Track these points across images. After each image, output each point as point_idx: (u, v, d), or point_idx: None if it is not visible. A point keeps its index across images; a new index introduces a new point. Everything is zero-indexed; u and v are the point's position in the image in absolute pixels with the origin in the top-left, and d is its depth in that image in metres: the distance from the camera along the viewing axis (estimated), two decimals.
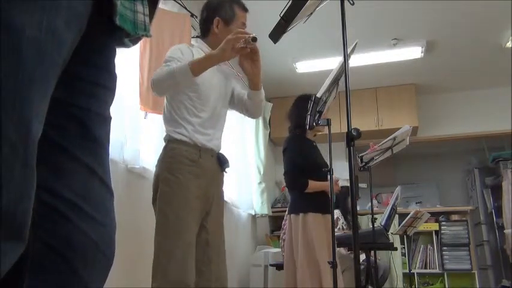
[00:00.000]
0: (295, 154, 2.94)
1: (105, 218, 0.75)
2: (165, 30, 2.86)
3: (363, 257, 3.40)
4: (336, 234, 2.43)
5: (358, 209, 3.86)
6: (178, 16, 3.05)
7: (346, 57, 1.66)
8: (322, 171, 2.53)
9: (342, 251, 3.56)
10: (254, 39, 1.77)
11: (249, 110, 2.13)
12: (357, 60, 4.59)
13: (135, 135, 2.53)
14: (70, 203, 0.70)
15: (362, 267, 3.24)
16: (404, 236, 4.30)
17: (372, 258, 3.31)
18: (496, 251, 5.65)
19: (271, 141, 5.71)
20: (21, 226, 0.54)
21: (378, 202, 5.87)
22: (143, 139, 2.64)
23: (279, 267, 3.85)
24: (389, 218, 3.51)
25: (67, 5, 0.60)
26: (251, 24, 2.13)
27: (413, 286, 4.81)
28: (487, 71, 5.07)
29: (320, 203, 2.82)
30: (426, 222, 4.20)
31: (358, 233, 1.90)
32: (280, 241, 3.66)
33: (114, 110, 0.80)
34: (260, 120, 5.03)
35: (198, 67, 1.80)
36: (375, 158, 3.26)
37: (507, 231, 4.89)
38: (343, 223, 3.99)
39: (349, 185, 1.58)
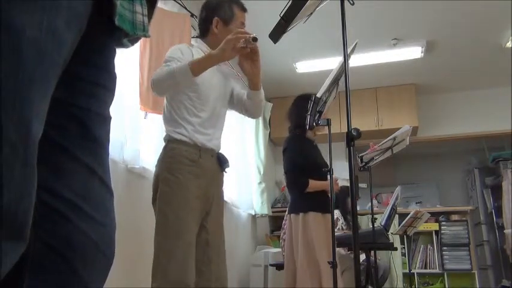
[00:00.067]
0: (295, 154, 2.94)
1: (105, 218, 0.75)
2: (165, 30, 2.86)
3: (362, 257, 3.40)
4: (335, 234, 2.43)
5: (358, 209, 3.86)
6: (178, 16, 3.05)
7: (346, 57, 1.66)
8: (322, 171, 2.54)
9: (341, 251, 3.56)
10: (255, 39, 1.77)
11: (248, 110, 2.13)
12: (357, 60, 4.59)
13: (135, 135, 2.53)
14: (70, 203, 0.70)
15: (362, 267, 3.24)
16: (404, 236, 4.30)
17: (372, 258, 3.31)
18: (496, 251, 5.65)
19: (271, 141, 5.71)
20: (22, 226, 0.54)
21: (378, 202, 5.87)
22: (143, 139, 2.64)
23: (279, 267, 3.85)
24: (389, 218, 3.51)
25: (67, 5, 0.60)
26: (251, 24, 2.13)
27: (413, 286, 4.81)
28: (487, 71, 5.07)
29: (320, 203, 2.82)
30: (426, 222, 4.20)
31: (358, 233, 1.90)
32: (281, 241, 3.66)
33: (114, 110, 0.80)
34: (260, 120, 5.04)
35: (198, 67, 1.80)
36: (375, 158, 3.26)
37: (507, 231, 4.88)
38: (342, 223, 3.99)
39: (349, 185, 1.58)
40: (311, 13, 1.82)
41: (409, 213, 3.68)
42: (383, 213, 3.67)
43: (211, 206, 1.95)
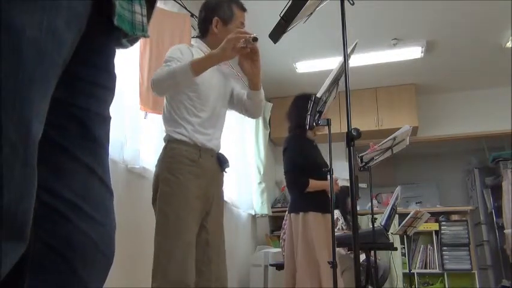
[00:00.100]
0: (295, 154, 2.94)
1: (105, 218, 0.75)
2: (165, 30, 2.86)
3: (362, 257, 3.40)
4: (335, 234, 2.43)
5: (358, 209, 3.86)
6: (178, 16, 3.05)
7: (346, 57, 1.66)
8: (322, 171, 2.54)
9: (341, 251, 3.56)
10: (255, 39, 1.77)
11: (248, 110, 2.13)
12: (357, 60, 4.59)
13: (135, 135, 2.53)
14: (70, 203, 0.70)
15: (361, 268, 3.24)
16: (404, 236, 4.30)
17: (372, 258, 3.31)
18: (496, 251, 5.65)
19: (271, 141, 5.71)
20: (22, 226, 0.54)
21: (378, 202, 5.87)
22: (143, 139, 2.65)
23: (279, 267, 3.85)
24: (389, 218, 3.51)
25: (67, 5, 0.60)
26: (251, 24, 2.13)
27: (413, 286, 4.81)
28: (487, 71, 5.07)
29: (320, 203, 2.82)
30: (426, 222, 4.20)
31: (358, 233, 1.90)
32: (281, 241, 3.66)
33: (114, 110, 0.80)
34: (260, 120, 5.04)
35: (198, 67, 1.80)
36: (375, 158, 3.26)
37: (507, 231, 4.88)
38: (342, 223, 3.99)
39: (349, 185, 1.58)
40: (311, 13, 1.82)
41: (409, 213, 3.69)
42: (383, 213, 3.67)
43: (211, 206, 1.95)
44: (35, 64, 0.55)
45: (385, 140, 3.12)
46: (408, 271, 4.09)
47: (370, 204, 3.74)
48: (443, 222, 5.15)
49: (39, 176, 0.57)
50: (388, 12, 3.90)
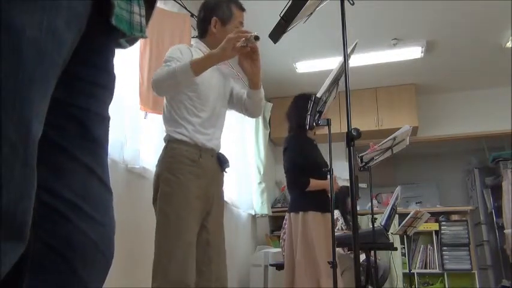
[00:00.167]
0: (295, 154, 2.94)
1: (105, 218, 0.75)
2: (165, 30, 2.86)
3: (362, 257, 3.40)
4: (335, 234, 2.43)
5: (358, 209, 3.86)
6: (178, 16, 3.05)
7: (346, 57, 1.66)
8: (322, 170, 2.54)
9: (340, 251, 3.56)
10: (257, 37, 1.77)
11: (248, 109, 2.13)
12: (357, 60, 4.59)
13: (135, 135, 2.53)
14: (70, 203, 0.71)
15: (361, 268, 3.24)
16: (404, 236, 4.30)
17: (372, 258, 3.31)
18: (496, 251, 5.65)
19: (271, 141, 5.71)
20: (21, 226, 0.54)
21: (378, 202, 5.87)
22: (143, 139, 2.64)
23: (279, 267, 3.85)
24: (389, 218, 3.51)
25: (67, 5, 0.60)
26: (251, 24, 2.13)
27: (413, 286, 4.81)
28: (487, 71, 5.07)
29: (320, 202, 2.82)
30: (426, 222, 4.20)
31: (358, 233, 1.90)
32: (281, 241, 3.66)
33: (114, 110, 0.80)
34: (260, 120, 5.04)
35: (198, 66, 1.80)
36: (375, 158, 3.26)
37: (507, 231, 4.88)
38: (342, 223, 3.99)
39: (349, 185, 1.58)
40: (311, 13, 1.82)
41: (409, 213, 3.69)
42: (383, 213, 3.67)
43: (211, 206, 1.95)
44: (35, 64, 0.55)
45: (385, 140, 3.12)
46: (408, 271, 4.09)
47: (370, 204, 3.74)
48: (443, 222, 5.15)
49: (39, 176, 0.57)
50: (388, 12, 3.90)
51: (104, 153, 0.78)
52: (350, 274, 3.24)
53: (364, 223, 4.85)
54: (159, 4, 2.86)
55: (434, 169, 6.55)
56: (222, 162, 2.01)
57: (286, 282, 2.90)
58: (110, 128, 0.81)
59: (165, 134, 1.98)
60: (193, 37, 3.07)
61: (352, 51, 2.11)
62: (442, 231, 5.11)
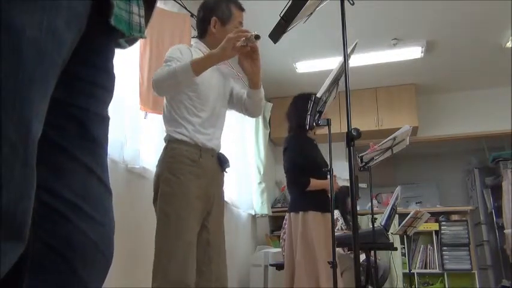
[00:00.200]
0: (295, 154, 2.94)
1: (104, 218, 0.75)
2: (165, 30, 2.86)
3: (362, 257, 3.40)
4: (335, 234, 2.43)
5: (358, 209, 3.86)
6: (178, 16, 3.05)
7: (346, 57, 1.66)
8: (322, 170, 2.54)
9: (340, 251, 3.56)
10: (257, 36, 1.77)
11: (248, 109, 2.13)
12: (357, 60, 4.59)
13: (135, 135, 2.53)
14: (70, 203, 0.71)
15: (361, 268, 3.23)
16: (404, 236, 4.30)
17: (372, 258, 3.31)
18: (496, 251, 5.65)
19: (271, 141, 5.71)
20: (21, 226, 0.54)
21: (378, 202, 5.87)
22: (143, 139, 2.65)
23: (279, 267, 3.85)
24: (389, 218, 3.51)
25: (67, 5, 0.61)
26: (251, 24, 2.13)
27: (413, 286, 4.81)
28: (487, 71, 5.07)
29: (320, 202, 2.82)
30: (426, 222, 4.20)
31: (358, 233, 1.90)
32: (281, 241, 3.66)
33: (114, 110, 0.80)
34: (260, 120, 5.04)
35: (198, 66, 1.80)
36: (375, 158, 3.26)
37: (507, 231, 4.88)
38: (342, 223, 3.99)
39: (349, 185, 1.58)
40: (311, 13, 1.82)
41: (409, 213, 3.68)
42: (383, 213, 3.67)
43: (212, 205, 1.96)
44: (35, 64, 0.55)
45: (385, 140, 3.12)
46: (408, 271, 4.09)
47: (370, 204, 3.74)
48: (443, 222, 5.15)
49: (38, 176, 0.57)
50: (388, 12, 3.90)
51: (104, 153, 0.78)
52: (350, 274, 3.24)
53: (364, 223, 4.85)
54: (159, 4, 2.86)
55: (434, 169, 6.55)
56: (222, 162, 2.01)
57: (286, 282, 2.90)
58: (110, 128, 0.81)
59: (165, 134, 1.98)
60: (193, 37, 3.07)
61: (352, 51, 2.11)
62: (442, 231, 5.11)
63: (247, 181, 4.72)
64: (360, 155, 3.26)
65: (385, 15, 3.95)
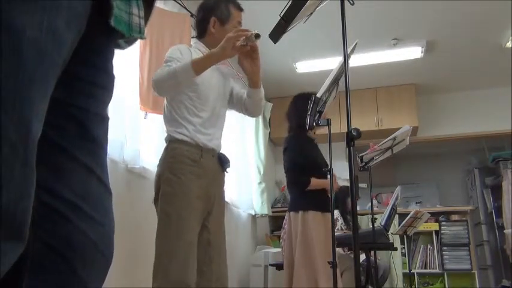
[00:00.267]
0: (295, 154, 2.94)
1: (104, 218, 0.75)
2: (165, 30, 2.86)
3: (362, 257, 3.40)
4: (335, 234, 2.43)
5: (358, 209, 3.86)
6: (178, 16, 3.05)
7: (346, 57, 1.66)
8: (322, 170, 2.54)
9: (340, 251, 3.55)
10: (257, 35, 1.77)
11: (248, 108, 2.14)
12: (357, 60, 4.59)
13: (135, 135, 2.53)
14: (70, 203, 0.71)
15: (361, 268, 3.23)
16: (404, 236, 4.30)
17: (372, 258, 3.31)
18: (496, 251, 5.65)
19: (271, 141, 5.71)
20: (21, 226, 0.54)
21: (378, 202, 5.87)
22: (143, 139, 2.65)
23: (279, 267, 3.85)
24: (389, 218, 3.51)
25: (67, 5, 0.61)
26: (251, 24, 2.13)
27: (413, 286, 4.81)
28: (487, 71, 5.07)
29: (320, 202, 2.82)
30: (426, 222, 4.20)
31: (358, 233, 1.90)
32: (281, 241, 3.66)
33: (114, 110, 0.81)
34: (260, 120, 5.04)
35: (199, 66, 1.80)
36: (375, 158, 3.26)
37: (507, 231, 4.89)
38: (341, 224, 3.99)
39: (349, 185, 1.58)
40: (311, 13, 1.82)
41: (409, 213, 3.68)
42: (383, 213, 3.67)
43: (212, 206, 1.96)
44: (35, 64, 0.55)
45: (385, 140, 3.12)
46: (408, 271, 4.09)
47: (370, 204, 3.74)
48: (443, 222, 5.15)
49: (38, 176, 0.57)
50: (388, 12, 3.90)
51: (103, 153, 0.78)
52: (350, 274, 3.24)
53: (364, 223, 4.85)
54: (159, 4, 2.86)
55: (434, 169, 6.55)
56: (223, 162, 2.01)
57: (285, 282, 2.90)
58: (110, 128, 0.81)
59: (165, 134, 1.98)
60: (193, 37, 3.08)
61: (352, 51, 2.11)
62: (442, 231, 5.11)
63: (247, 181, 4.72)
64: (360, 155, 3.26)
65: (385, 15, 3.95)
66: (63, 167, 0.71)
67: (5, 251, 0.52)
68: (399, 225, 3.92)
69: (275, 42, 1.79)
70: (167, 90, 1.91)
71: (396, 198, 3.58)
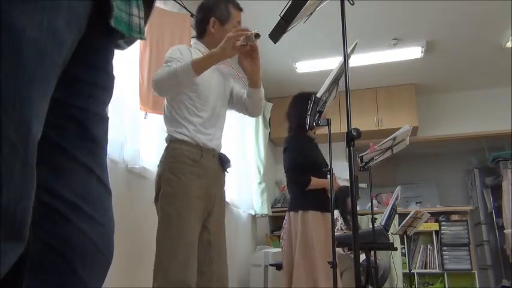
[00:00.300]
0: (295, 153, 2.94)
1: (104, 218, 0.75)
2: (165, 30, 2.86)
3: (362, 257, 3.40)
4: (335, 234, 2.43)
5: (358, 209, 3.86)
6: (178, 16, 3.05)
7: (346, 57, 1.66)
8: (322, 170, 2.54)
9: (340, 251, 3.55)
10: (257, 35, 1.78)
11: (248, 108, 2.14)
12: (357, 60, 4.59)
13: (135, 135, 2.53)
14: (70, 203, 0.71)
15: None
16: (404, 236, 4.30)
17: (372, 258, 3.31)
18: (496, 251, 5.65)
19: (271, 141, 5.71)
20: (21, 226, 0.54)
21: (378, 202, 5.87)
22: (143, 139, 2.65)
23: (279, 267, 3.85)
24: (389, 218, 3.51)
25: (67, 6, 0.61)
26: (251, 24, 2.13)
27: (413, 286, 4.81)
28: (487, 71, 5.07)
29: (320, 201, 2.82)
30: (426, 222, 4.20)
31: (358, 233, 1.90)
32: (281, 241, 3.66)
33: (114, 110, 0.81)
34: (260, 120, 5.04)
35: (199, 66, 1.80)
36: (375, 158, 3.26)
37: (507, 231, 4.88)
38: (341, 224, 3.99)
39: (349, 185, 1.58)
40: (311, 13, 1.82)
41: (409, 213, 3.68)
42: (383, 213, 3.67)
43: (213, 206, 1.96)
44: (35, 64, 0.55)
45: (385, 140, 3.12)
46: (408, 271, 4.09)
47: (370, 204, 3.73)
48: (443, 222, 5.15)
49: (39, 176, 0.57)
50: (388, 12, 3.90)
51: (103, 153, 0.78)
52: (350, 274, 3.24)
53: (364, 223, 4.85)
54: (158, 4, 2.86)
55: (434, 169, 6.55)
56: (223, 162, 2.02)
57: (284, 282, 2.90)
58: (110, 128, 0.81)
59: (165, 134, 1.98)
60: (193, 37, 3.07)
61: (352, 51, 2.11)
62: (442, 231, 5.11)
63: (247, 181, 4.72)
64: (360, 155, 3.26)
65: (385, 15, 3.95)
66: (63, 167, 0.71)
67: (5, 251, 0.52)
68: (399, 225, 3.92)
69: (275, 42, 1.79)
70: (167, 91, 1.91)
71: (396, 198, 3.58)
